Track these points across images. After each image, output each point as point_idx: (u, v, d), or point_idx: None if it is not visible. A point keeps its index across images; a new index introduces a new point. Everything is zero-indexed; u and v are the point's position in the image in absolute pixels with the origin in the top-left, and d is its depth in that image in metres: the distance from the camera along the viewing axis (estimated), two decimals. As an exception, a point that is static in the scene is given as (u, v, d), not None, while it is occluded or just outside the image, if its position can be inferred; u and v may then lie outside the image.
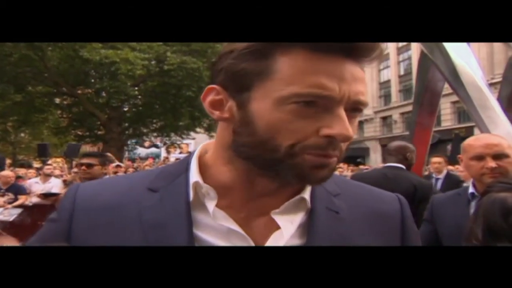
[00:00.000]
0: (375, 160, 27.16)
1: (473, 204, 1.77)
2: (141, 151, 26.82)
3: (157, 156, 24.58)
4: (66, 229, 0.66)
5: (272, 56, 0.58)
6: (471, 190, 1.84)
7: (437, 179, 5.77)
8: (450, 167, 6.13)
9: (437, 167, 5.86)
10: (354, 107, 0.60)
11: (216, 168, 0.67)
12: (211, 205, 0.65)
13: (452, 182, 5.35)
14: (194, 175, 0.67)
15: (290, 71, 0.57)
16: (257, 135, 0.59)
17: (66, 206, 0.68)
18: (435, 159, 5.96)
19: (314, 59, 0.57)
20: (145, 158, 20.27)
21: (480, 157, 1.74)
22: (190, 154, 0.73)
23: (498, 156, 1.71)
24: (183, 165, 0.71)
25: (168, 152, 22.83)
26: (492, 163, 1.70)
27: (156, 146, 25.04)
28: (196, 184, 0.66)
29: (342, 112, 0.58)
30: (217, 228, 0.64)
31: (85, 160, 3.71)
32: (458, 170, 5.44)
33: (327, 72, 0.57)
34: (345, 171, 10.77)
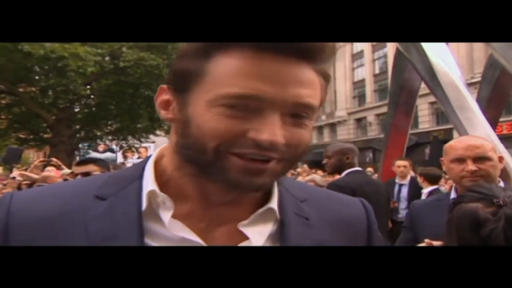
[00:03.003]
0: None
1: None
2: (94, 156, 26.13)
3: (113, 161, 24.03)
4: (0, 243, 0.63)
5: (210, 56, 0.60)
6: (453, 195, 1.88)
7: (400, 185, 5.51)
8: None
9: (402, 171, 5.57)
10: (296, 112, 0.61)
11: (170, 173, 0.68)
12: (166, 215, 0.64)
13: (418, 188, 5.12)
14: (150, 183, 0.66)
15: (222, 72, 0.59)
16: (191, 136, 0.62)
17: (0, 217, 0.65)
18: (400, 163, 5.70)
19: (253, 60, 0.58)
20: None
21: (460, 160, 1.79)
22: (146, 159, 0.73)
23: (480, 158, 1.76)
24: (137, 171, 0.70)
25: (125, 157, 22.34)
26: (472, 166, 1.75)
27: (112, 151, 24.46)
28: (151, 193, 0.65)
29: (273, 117, 0.59)
30: (172, 239, 0.64)
31: None
32: (417, 175, 5.35)
33: (264, 73, 0.58)
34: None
